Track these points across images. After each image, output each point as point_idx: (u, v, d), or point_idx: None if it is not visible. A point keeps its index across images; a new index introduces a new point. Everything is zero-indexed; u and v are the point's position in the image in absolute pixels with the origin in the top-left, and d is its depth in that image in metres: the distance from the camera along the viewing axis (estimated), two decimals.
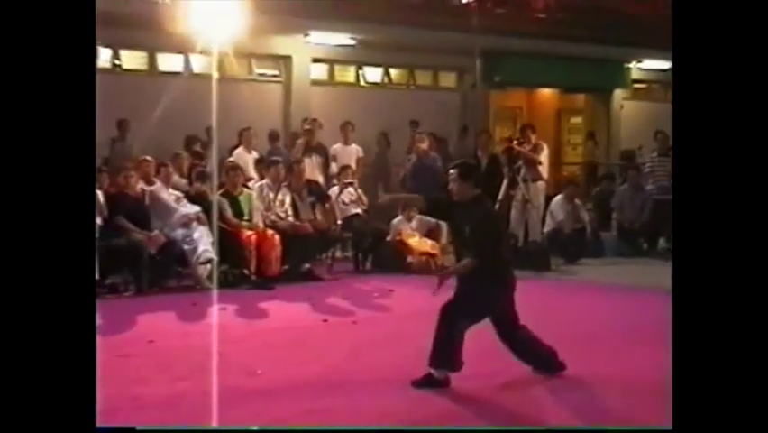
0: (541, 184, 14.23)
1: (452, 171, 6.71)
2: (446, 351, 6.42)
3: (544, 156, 14.29)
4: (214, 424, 5.57)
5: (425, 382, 6.43)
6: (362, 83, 19.10)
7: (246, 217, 11.68)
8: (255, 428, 5.63)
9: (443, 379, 6.45)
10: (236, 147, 13.93)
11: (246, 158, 13.54)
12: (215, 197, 11.29)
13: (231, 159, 13.19)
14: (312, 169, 13.61)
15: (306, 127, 14.36)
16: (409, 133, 16.70)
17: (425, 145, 14.69)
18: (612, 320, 9.29)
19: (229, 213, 11.55)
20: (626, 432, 5.60)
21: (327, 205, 12.74)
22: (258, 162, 13.52)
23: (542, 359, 6.81)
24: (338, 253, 13.37)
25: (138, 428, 5.11)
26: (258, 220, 11.71)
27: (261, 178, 12.63)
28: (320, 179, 13.69)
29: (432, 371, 6.45)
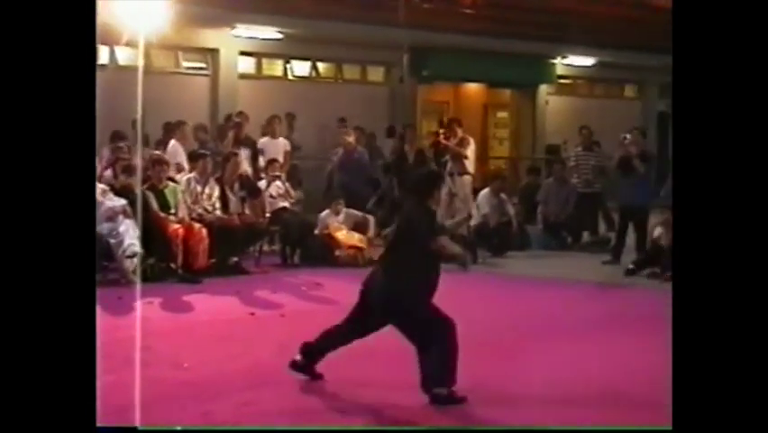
0: (467, 178, 14.37)
1: None
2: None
3: (470, 150, 14.45)
4: (138, 418, 5.52)
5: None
6: (290, 77, 19.08)
7: (172, 211, 11.60)
8: (257, 428, 5.64)
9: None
10: (164, 141, 13.82)
11: (181, 151, 13.44)
12: (141, 190, 11.19)
13: (156, 152, 13.08)
14: (241, 162, 13.57)
15: (236, 120, 14.33)
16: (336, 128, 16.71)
17: (351, 139, 14.76)
18: (539, 312, 9.44)
19: (155, 206, 11.45)
20: (626, 432, 5.64)
21: (258, 199, 12.71)
22: (189, 155, 13.44)
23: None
24: (266, 247, 13.34)
25: (139, 427, 5.10)
26: (183, 213, 11.64)
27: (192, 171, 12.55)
28: (249, 172, 13.66)
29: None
